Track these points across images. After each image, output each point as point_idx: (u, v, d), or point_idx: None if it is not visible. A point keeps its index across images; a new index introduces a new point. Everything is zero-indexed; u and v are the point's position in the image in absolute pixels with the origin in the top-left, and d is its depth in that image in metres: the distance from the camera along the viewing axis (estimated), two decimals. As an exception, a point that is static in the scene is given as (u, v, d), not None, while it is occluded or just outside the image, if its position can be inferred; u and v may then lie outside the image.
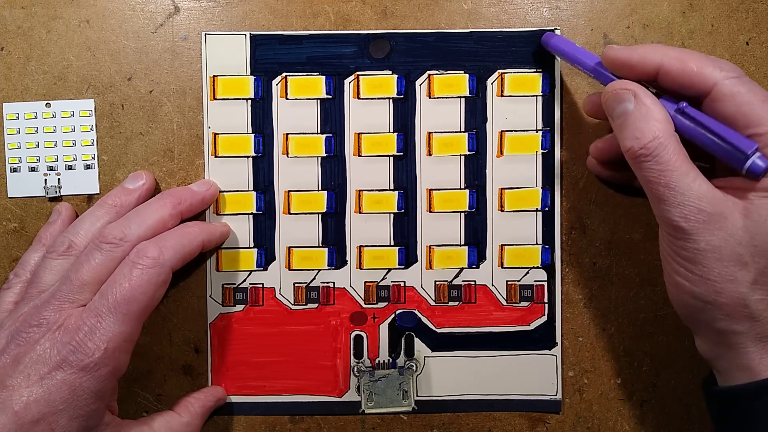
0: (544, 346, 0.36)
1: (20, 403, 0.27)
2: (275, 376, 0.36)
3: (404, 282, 0.36)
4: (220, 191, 0.36)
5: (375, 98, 0.36)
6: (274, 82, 0.36)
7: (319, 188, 0.36)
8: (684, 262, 0.28)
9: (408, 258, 0.36)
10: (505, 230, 0.36)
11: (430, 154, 0.36)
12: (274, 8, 0.36)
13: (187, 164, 0.36)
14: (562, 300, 0.36)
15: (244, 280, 0.36)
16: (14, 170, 0.36)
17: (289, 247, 0.36)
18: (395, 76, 0.36)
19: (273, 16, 0.36)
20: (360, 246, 0.36)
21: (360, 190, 0.36)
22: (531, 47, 0.36)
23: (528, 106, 0.36)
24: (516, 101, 0.36)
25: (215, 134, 0.36)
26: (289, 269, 0.36)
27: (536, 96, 0.36)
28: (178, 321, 0.36)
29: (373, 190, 0.36)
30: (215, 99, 0.36)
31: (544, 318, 0.36)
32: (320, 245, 0.36)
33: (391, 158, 0.36)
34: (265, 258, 0.36)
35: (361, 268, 0.36)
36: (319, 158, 0.36)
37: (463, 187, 0.36)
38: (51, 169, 0.36)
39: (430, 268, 0.36)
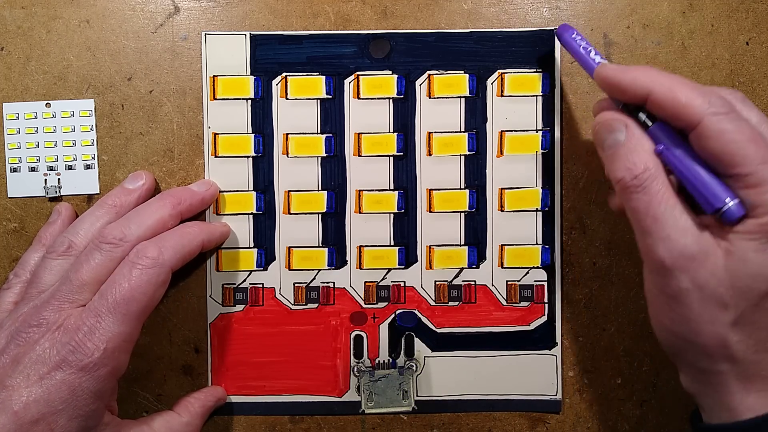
0: (544, 346, 0.36)
1: (20, 403, 0.27)
2: (275, 376, 0.36)
3: (404, 282, 0.36)
4: (220, 191, 0.36)
5: (375, 98, 0.36)
6: (274, 82, 0.36)
7: (319, 188, 0.36)
8: (666, 300, 0.28)
9: (408, 258, 0.36)
10: (505, 230, 0.36)
11: (430, 154, 0.36)
12: (274, 8, 0.36)
13: (187, 164, 0.36)
14: (562, 300, 0.36)
15: (244, 280, 0.36)
16: (14, 170, 0.36)
17: (289, 247, 0.36)
18: (395, 76, 0.36)
19: (273, 16, 0.36)
20: (360, 246, 0.36)
21: (360, 190, 0.36)
22: (531, 47, 0.36)
23: (528, 106, 0.36)
24: (516, 101, 0.36)
25: (215, 134, 0.36)
26: (289, 269, 0.36)
27: (536, 96, 0.36)
28: (178, 321, 0.36)
29: (373, 190, 0.36)
30: (215, 99, 0.36)
31: (544, 318, 0.36)
32: (320, 245, 0.36)
33: (391, 158, 0.36)
34: (265, 258, 0.36)
35: (361, 268, 0.36)
36: (319, 158, 0.36)
37: (463, 187, 0.36)
38: (51, 169, 0.36)
39: (430, 268, 0.36)
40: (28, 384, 0.27)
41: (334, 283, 0.36)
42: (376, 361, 0.36)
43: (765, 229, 0.26)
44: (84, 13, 0.36)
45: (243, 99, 0.36)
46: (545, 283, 0.36)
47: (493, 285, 0.36)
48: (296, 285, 0.36)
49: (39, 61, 0.36)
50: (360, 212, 0.36)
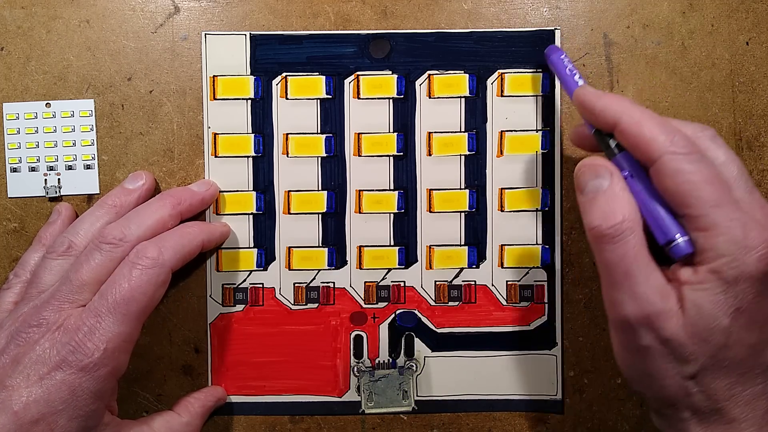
0: (544, 346, 0.36)
1: (20, 404, 0.27)
2: (275, 376, 0.36)
3: (404, 282, 0.36)
4: (220, 191, 0.36)
5: (375, 98, 0.36)
6: (274, 82, 0.36)
7: (319, 188, 0.36)
8: (629, 354, 0.28)
9: (408, 258, 0.36)
10: (505, 230, 0.36)
11: (430, 154, 0.36)
12: (274, 8, 0.36)
13: (187, 164, 0.36)
14: (562, 300, 0.36)
15: (244, 280, 0.36)
16: (14, 170, 0.36)
17: (289, 247, 0.36)
18: (395, 76, 0.36)
19: (273, 16, 0.36)
20: (360, 246, 0.36)
21: (360, 190, 0.36)
22: (531, 47, 0.36)
23: (528, 106, 0.36)
24: (516, 101, 0.36)
25: (215, 134, 0.36)
26: (289, 269, 0.36)
27: (536, 96, 0.36)
28: (178, 321, 0.36)
29: (373, 190, 0.36)
30: (215, 99, 0.36)
31: (544, 318, 0.36)
32: (320, 245, 0.36)
33: (391, 158, 0.36)
34: (265, 258, 0.36)
35: (361, 268, 0.36)
36: (319, 158, 0.36)
37: (463, 187, 0.36)
38: (51, 169, 0.36)
39: (430, 268, 0.36)
40: (28, 384, 0.27)
41: (334, 283, 0.36)
42: (376, 361, 0.36)
43: (715, 275, 0.26)
44: (84, 13, 0.36)
45: (243, 99, 0.36)
46: (545, 283, 0.36)
47: (493, 285, 0.36)
48: (296, 285, 0.36)
49: (39, 61, 0.36)
50: (360, 212, 0.36)
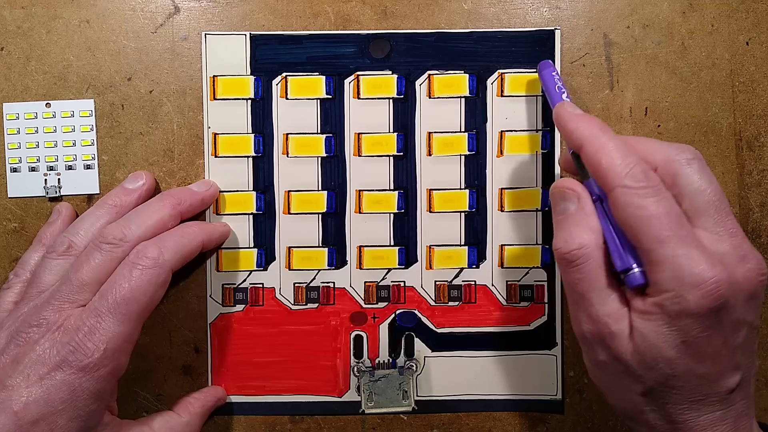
0: (544, 346, 0.36)
1: (20, 404, 0.27)
2: (275, 376, 0.36)
3: (404, 282, 0.36)
4: (220, 191, 0.36)
5: (375, 98, 0.36)
6: (274, 82, 0.36)
7: (319, 188, 0.36)
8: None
9: (408, 258, 0.36)
10: (505, 230, 0.36)
11: (430, 154, 0.36)
12: (274, 8, 0.36)
13: (187, 164, 0.36)
14: (562, 300, 0.36)
15: (244, 280, 0.36)
16: (14, 170, 0.36)
17: (289, 247, 0.36)
18: (395, 76, 0.36)
19: (273, 16, 0.36)
20: (360, 246, 0.36)
21: (360, 190, 0.36)
22: (531, 47, 0.36)
23: (528, 106, 0.36)
24: (516, 101, 0.36)
25: (215, 134, 0.36)
26: (289, 269, 0.36)
27: (536, 96, 0.36)
28: (178, 321, 0.36)
29: (373, 190, 0.36)
30: (215, 99, 0.36)
31: (544, 318, 0.36)
32: (320, 245, 0.36)
33: (391, 158, 0.36)
34: (265, 258, 0.36)
35: (361, 268, 0.36)
36: (319, 158, 0.36)
37: (463, 187, 0.36)
38: (51, 169, 0.36)
39: (430, 268, 0.36)
40: (28, 384, 0.27)
41: (334, 283, 0.36)
42: (376, 361, 0.36)
43: (659, 309, 0.26)
44: (84, 13, 0.36)
45: (243, 99, 0.36)
46: (545, 283, 0.36)
47: (493, 285, 0.36)
48: (296, 285, 0.36)
49: (39, 61, 0.36)
50: (360, 212, 0.36)
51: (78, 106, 0.36)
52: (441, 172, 0.36)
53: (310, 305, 0.36)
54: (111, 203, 0.33)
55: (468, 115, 0.36)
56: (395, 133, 0.36)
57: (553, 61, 0.35)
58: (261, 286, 0.36)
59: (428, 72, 0.36)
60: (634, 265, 0.27)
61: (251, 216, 0.36)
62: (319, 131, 0.36)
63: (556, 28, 0.36)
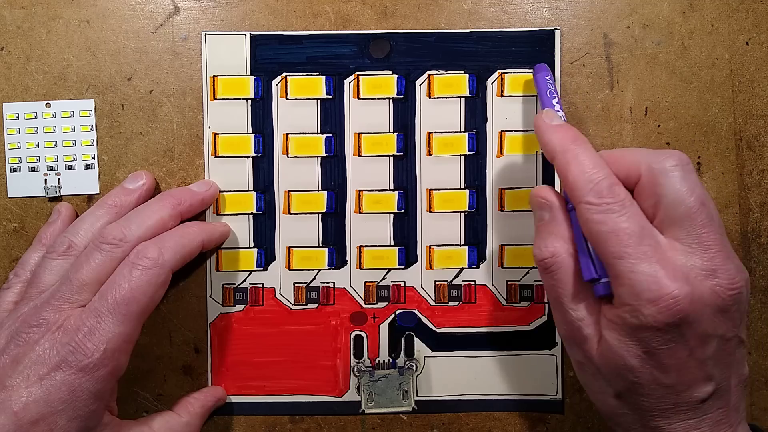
0: (544, 346, 0.36)
1: (19, 404, 0.27)
2: (275, 376, 0.36)
3: (404, 282, 0.36)
4: (220, 191, 0.36)
5: (375, 98, 0.36)
6: (274, 82, 0.36)
7: (319, 188, 0.36)
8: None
9: (408, 258, 0.36)
10: (505, 230, 0.36)
11: (430, 154, 0.36)
12: (274, 8, 0.36)
13: (187, 164, 0.36)
14: (562, 300, 0.36)
15: (244, 280, 0.36)
16: (14, 170, 0.36)
17: (289, 247, 0.36)
18: (395, 76, 0.36)
19: (273, 16, 0.36)
20: (360, 246, 0.36)
21: (360, 190, 0.36)
22: (531, 47, 0.36)
23: (528, 106, 0.36)
24: (516, 101, 0.36)
25: (215, 134, 0.36)
26: (289, 269, 0.36)
27: (536, 96, 0.36)
28: (178, 321, 0.36)
29: (373, 190, 0.36)
30: (215, 99, 0.36)
31: (544, 318, 0.36)
32: (320, 245, 0.36)
33: (391, 158, 0.36)
34: (265, 258, 0.36)
35: (361, 268, 0.36)
36: (319, 158, 0.36)
37: (463, 187, 0.36)
38: (51, 169, 0.36)
39: (430, 268, 0.36)
40: (27, 384, 0.27)
41: (334, 283, 0.36)
42: (376, 361, 0.36)
43: (621, 320, 0.27)
44: (84, 13, 0.36)
45: (243, 99, 0.36)
46: (545, 283, 0.36)
47: (493, 285, 0.36)
48: (296, 285, 0.36)
49: (39, 61, 0.36)
50: (360, 212, 0.36)
51: (78, 106, 0.36)
52: (441, 172, 0.36)
53: (310, 305, 0.36)
54: (111, 203, 0.33)
55: (468, 115, 0.36)
56: (395, 133, 0.36)
57: (553, 61, 0.35)
58: (261, 286, 0.36)
59: (428, 72, 0.36)
60: (601, 277, 0.28)
61: (251, 216, 0.36)
62: (319, 131, 0.36)
63: (556, 28, 0.36)
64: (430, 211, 0.36)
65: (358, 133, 0.36)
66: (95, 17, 0.36)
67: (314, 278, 0.36)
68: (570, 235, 0.29)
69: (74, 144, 0.36)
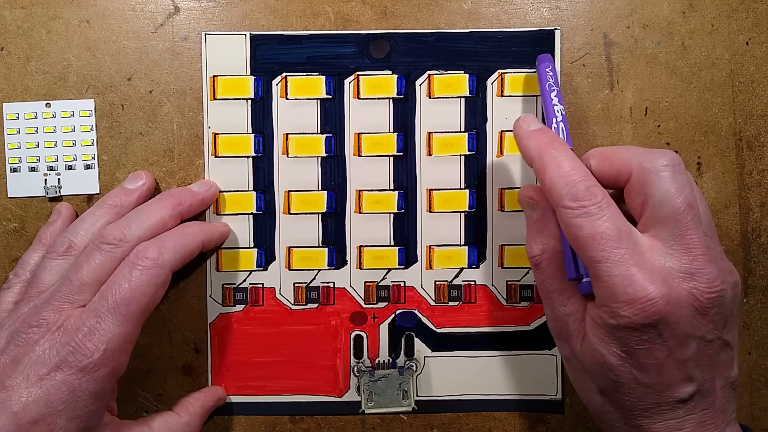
0: (544, 346, 0.36)
1: (19, 404, 0.27)
2: (275, 376, 0.36)
3: (404, 282, 0.36)
4: (220, 191, 0.36)
5: (375, 98, 0.36)
6: (274, 82, 0.36)
7: (319, 188, 0.36)
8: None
9: (408, 258, 0.36)
10: (505, 230, 0.36)
11: (430, 154, 0.36)
12: (274, 8, 0.36)
13: (187, 164, 0.36)
14: (562, 300, 0.36)
15: (244, 280, 0.36)
16: (14, 170, 0.36)
17: (289, 247, 0.36)
18: (395, 76, 0.36)
19: (273, 16, 0.36)
20: (360, 246, 0.36)
21: (360, 190, 0.36)
22: (531, 47, 0.36)
23: (528, 106, 0.36)
24: (516, 101, 0.36)
25: (215, 134, 0.36)
26: (289, 269, 0.36)
27: (536, 96, 0.36)
28: (178, 321, 0.36)
29: (373, 190, 0.36)
30: (215, 99, 0.36)
31: (544, 318, 0.36)
32: (320, 245, 0.36)
33: (391, 158, 0.36)
34: (265, 258, 0.36)
35: (361, 268, 0.36)
36: (319, 158, 0.36)
37: (463, 187, 0.36)
38: (51, 169, 0.36)
39: (430, 268, 0.36)
40: (27, 384, 0.27)
41: (334, 283, 0.36)
42: (376, 361, 0.36)
43: (601, 320, 0.27)
44: (84, 13, 0.36)
45: (243, 99, 0.36)
46: (545, 283, 0.36)
47: (493, 285, 0.36)
48: (296, 285, 0.36)
49: (39, 61, 0.36)
50: (360, 212, 0.36)
51: (78, 106, 0.36)
52: (441, 172, 0.36)
53: (310, 305, 0.36)
54: (111, 203, 0.33)
55: (468, 115, 0.36)
56: (395, 133, 0.36)
57: (553, 61, 0.35)
58: (261, 286, 0.36)
59: (428, 72, 0.36)
60: (583, 277, 0.28)
61: (251, 216, 0.36)
62: (319, 131, 0.36)
63: (556, 28, 0.36)
64: (430, 211, 0.36)
65: (358, 133, 0.36)
66: (95, 17, 0.36)
67: (314, 278, 0.36)
68: (558, 233, 0.30)
69: (74, 144, 0.36)
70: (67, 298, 0.29)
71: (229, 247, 0.36)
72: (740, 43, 0.36)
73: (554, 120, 0.32)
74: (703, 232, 0.27)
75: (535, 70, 0.35)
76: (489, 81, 0.36)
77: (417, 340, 0.36)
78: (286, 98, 0.36)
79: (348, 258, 0.36)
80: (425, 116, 0.36)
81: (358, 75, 0.36)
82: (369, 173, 0.36)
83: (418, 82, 0.36)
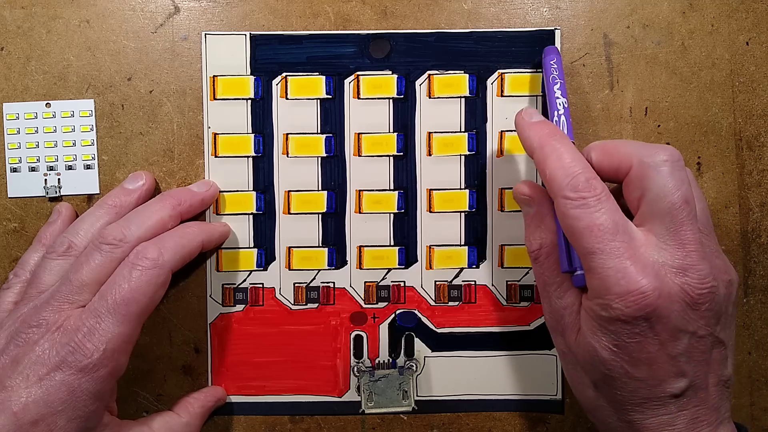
0: (544, 346, 0.36)
1: (19, 404, 0.27)
2: (275, 376, 0.36)
3: (404, 282, 0.36)
4: (220, 191, 0.36)
5: (375, 98, 0.36)
6: (274, 82, 0.36)
7: (319, 188, 0.36)
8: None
9: (408, 258, 0.36)
10: (505, 230, 0.36)
11: (430, 154, 0.36)
12: (274, 8, 0.36)
13: (187, 164, 0.36)
14: (562, 300, 0.36)
15: (244, 280, 0.36)
16: (14, 170, 0.36)
17: (289, 247, 0.36)
18: (395, 76, 0.36)
19: (273, 16, 0.36)
20: (360, 246, 0.36)
21: (360, 190, 0.36)
22: (531, 47, 0.36)
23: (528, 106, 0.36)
24: (516, 101, 0.36)
25: (215, 134, 0.36)
26: (289, 269, 0.36)
27: (536, 96, 0.36)
28: (178, 321, 0.36)
29: (373, 190, 0.36)
30: (215, 99, 0.36)
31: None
32: (320, 245, 0.36)
33: (391, 158, 0.36)
34: (265, 258, 0.36)
35: (361, 268, 0.36)
36: (319, 158, 0.36)
37: (463, 187, 0.36)
38: (51, 169, 0.36)
39: (430, 268, 0.36)
40: (27, 385, 0.27)
41: (334, 283, 0.36)
42: (376, 361, 0.36)
43: (593, 313, 0.27)
44: (84, 13, 0.36)
45: (243, 99, 0.36)
46: (545, 283, 0.36)
47: (493, 285, 0.36)
48: (296, 285, 0.36)
49: (39, 61, 0.36)
50: (360, 212, 0.36)
51: (78, 106, 0.36)
52: (441, 172, 0.36)
53: (310, 305, 0.36)
54: (111, 203, 0.33)
55: (468, 115, 0.36)
56: (395, 133, 0.36)
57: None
58: (261, 286, 0.36)
59: (428, 72, 0.36)
60: (577, 269, 0.29)
61: (251, 216, 0.36)
62: (319, 131, 0.36)
63: (556, 28, 0.35)
64: (430, 211, 0.36)
65: (358, 133, 0.36)
66: (95, 17, 0.36)
67: (314, 278, 0.36)
68: (555, 227, 0.30)
69: (74, 144, 0.36)
70: (66, 298, 0.29)
71: (229, 247, 0.36)
72: (740, 43, 0.36)
73: (556, 112, 0.32)
74: (698, 228, 0.27)
75: (535, 71, 0.35)
76: (489, 81, 0.36)
77: (417, 340, 0.36)
78: (286, 98, 0.36)
79: (348, 258, 0.36)
80: (425, 116, 0.36)
81: (358, 75, 0.36)
82: (369, 173, 0.36)
83: (418, 82, 0.36)
